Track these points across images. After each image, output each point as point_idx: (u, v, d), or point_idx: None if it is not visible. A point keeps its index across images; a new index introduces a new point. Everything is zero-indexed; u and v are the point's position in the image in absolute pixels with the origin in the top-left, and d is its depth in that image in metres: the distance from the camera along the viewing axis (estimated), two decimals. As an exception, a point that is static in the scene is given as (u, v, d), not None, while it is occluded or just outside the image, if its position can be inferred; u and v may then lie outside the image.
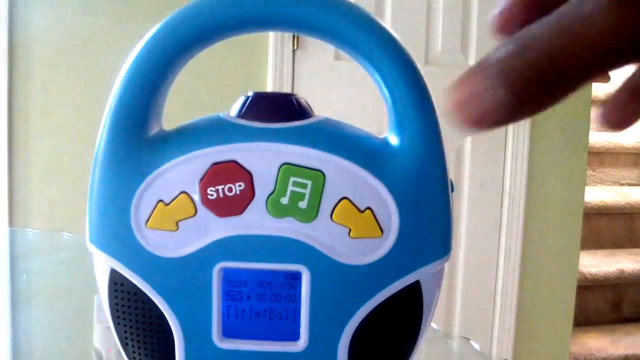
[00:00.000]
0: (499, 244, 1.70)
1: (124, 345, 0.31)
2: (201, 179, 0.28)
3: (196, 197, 0.28)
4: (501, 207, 1.69)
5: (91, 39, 1.49)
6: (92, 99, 1.44)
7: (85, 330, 0.61)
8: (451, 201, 0.30)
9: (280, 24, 0.29)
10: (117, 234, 0.29)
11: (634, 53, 0.19)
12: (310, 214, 0.28)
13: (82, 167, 0.30)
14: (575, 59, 0.19)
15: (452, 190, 0.30)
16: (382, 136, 0.30)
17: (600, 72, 0.19)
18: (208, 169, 0.28)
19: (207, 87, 1.49)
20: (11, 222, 1.49)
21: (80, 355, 0.57)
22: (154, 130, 0.30)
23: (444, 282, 0.34)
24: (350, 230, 0.28)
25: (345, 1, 0.28)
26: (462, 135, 0.22)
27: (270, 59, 1.53)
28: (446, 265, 0.30)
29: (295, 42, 1.54)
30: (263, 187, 0.28)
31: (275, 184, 0.28)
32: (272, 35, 1.53)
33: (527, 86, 0.19)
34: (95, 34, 1.49)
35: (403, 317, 0.30)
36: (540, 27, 0.19)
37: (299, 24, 0.28)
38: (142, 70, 0.29)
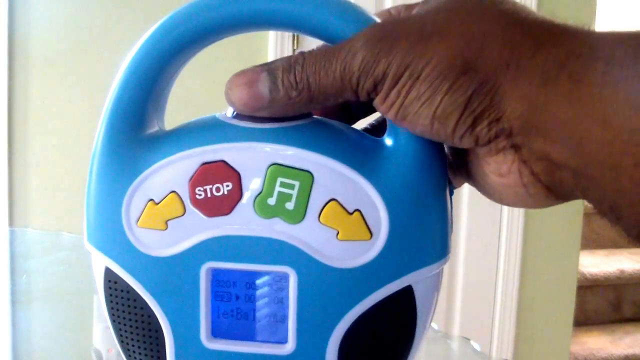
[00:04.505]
0: (499, 244, 1.70)
1: (121, 342, 0.31)
2: (190, 179, 0.28)
3: (185, 196, 0.28)
4: (501, 207, 1.69)
5: (91, 38, 1.49)
6: (92, 98, 1.44)
7: (85, 330, 0.61)
8: (449, 204, 0.29)
9: (279, 23, 0.29)
10: (110, 233, 0.29)
11: (370, 84, 0.26)
12: (297, 215, 0.28)
13: (82, 167, 0.30)
14: (325, 77, 0.26)
15: (452, 193, 0.30)
16: (380, 137, 0.30)
17: (343, 95, 0.27)
18: (197, 169, 0.28)
19: (207, 87, 1.49)
20: (11, 222, 1.49)
21: (80, 355, 0.57)
22: (152, 130, 0.30)
23: (444, 282, 0.34)
24: (338, 232, 0.28)
25: (345, 1, 0.28)
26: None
27: (270, 59, 1.53)
28: (446, 266, 0.29)
29: (295, 42, 1.54)
30: (251, 187, 0.28)
31: (263, 185, 0.28)
32: (272, 35, 1.53)
33: (287, 87, 0.27)
34: (95, 34, 1.49)
35: (394, 322, 0.29)
36: (317, 50, 0.27)
37: (298, 23, 0.28)
38: (139, 70, 0.29)
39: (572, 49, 0.24)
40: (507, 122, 0.25)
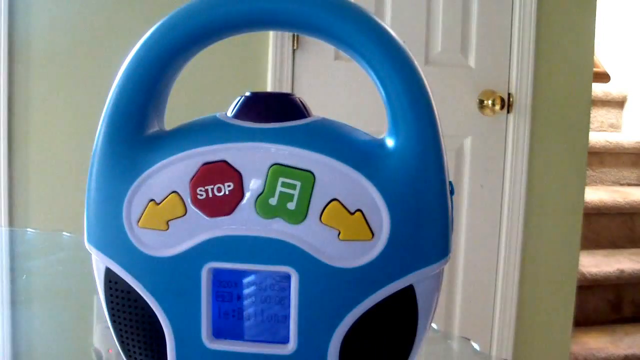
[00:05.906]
0: (499, 244, 1.70)
1: (121, 342, 0.31)
2: (191, 179, 0.28)
3: (186, 197, 0.28)
4: (501, 207, 1.69)
5: (92, 38, 1.49)
6: (92, 98, 1.44)
7: (85, 330, 0.61)
8: (450, 204, 0.29)
9: (279, 23, 0.29)
10: (110, 233, 0.29)
11: None
12: (298, 215, 0.28)
13: (82, 167, 0.30)
14: None
15: (452, 193, 0.30)
16: (381, 137, 0.30)
17: None
18: (198, 169, 0.28)
19: (207, 87, 1.49)
20: (11, 222, 1.49)
21: (80, 355, 0.57)
22: (152, 130, 0.30)
23: (444, 282, 0.34)
24: (339, 232, 0.28)
25: (345, 0, 0.28)
26: None
27: (270, 59, 1.53)
28: (446, 266, 0.29)
29: (295, 42, 1.54)
30: (252, 187, 0.28)
31: (265, 185, 0.28)
32: (272, 35, 1.53)
33: None
34: (95, 34, 1.49)
35: (396, 321, 0.29)
36: None
37: (298, 23, 0.28)
38: (139, 70, 0.29)
39: None
40: None
